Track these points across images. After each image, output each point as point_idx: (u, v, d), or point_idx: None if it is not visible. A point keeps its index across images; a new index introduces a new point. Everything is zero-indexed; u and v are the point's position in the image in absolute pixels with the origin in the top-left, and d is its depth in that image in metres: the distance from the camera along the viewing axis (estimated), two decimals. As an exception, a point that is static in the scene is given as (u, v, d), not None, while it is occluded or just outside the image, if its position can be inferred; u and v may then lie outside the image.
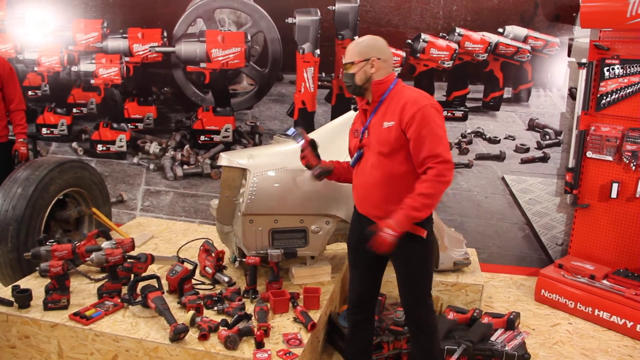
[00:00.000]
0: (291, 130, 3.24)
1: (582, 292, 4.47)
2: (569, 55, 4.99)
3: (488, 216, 5.32)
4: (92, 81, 5.73)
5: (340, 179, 3.27)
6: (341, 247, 4.52)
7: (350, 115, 4.01)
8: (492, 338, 3.78)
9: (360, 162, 2.98)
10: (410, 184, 2.77)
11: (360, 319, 3.22)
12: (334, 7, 5.17)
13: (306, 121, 5.40)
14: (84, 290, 3.60)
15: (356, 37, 5.06)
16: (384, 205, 2.86)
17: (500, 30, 5.06)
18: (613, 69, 4.58)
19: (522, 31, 5.03)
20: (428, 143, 2.69)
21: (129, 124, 5.85)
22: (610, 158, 4.68)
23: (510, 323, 3.93)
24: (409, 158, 2.80)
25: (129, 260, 3.62)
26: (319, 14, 5.21)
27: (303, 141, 3.19)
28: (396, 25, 5.14)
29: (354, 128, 3.10)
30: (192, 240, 4.59)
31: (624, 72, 4.53)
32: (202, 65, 5.47)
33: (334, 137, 3.84)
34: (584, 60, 4.74)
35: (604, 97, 4.66)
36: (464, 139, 5.25)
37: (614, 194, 4.67)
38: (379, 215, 2.87)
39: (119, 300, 3.41)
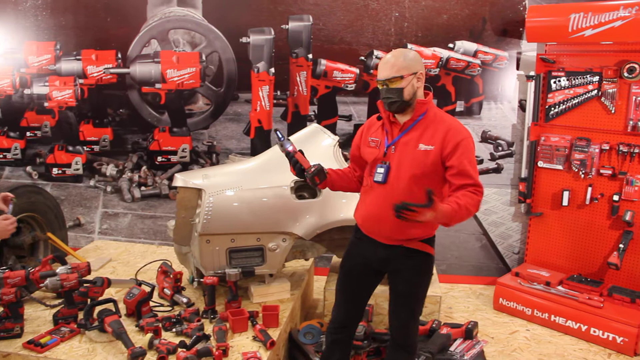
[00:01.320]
0: (279, 135, 2.98)
1: (539, 298, 4.57)
2: (517, 69, 5.13)
3: (445, 228, 5.36)
4: (46, 104, 5.65)
5: (335, 186, 3.12)
6: (300, 264, 4.54)
7: (310, 131, 4.06)
8: (451, 348, 3.84)
9: (387, 178, 2.83)
10: None
11: (338, 338, 3.17)
12: (287, 26, 5.23)
13: (263, 140, 5.42)
14: (39, 317, 3.54)
15: (310, 55, 5.20)
16: (398, 226, 2.77)
17: (451, 45, 5.17)
18: (559, 80, 4.72)
19: (471, 46, 5.16)
20: (470, 173, 2.69)
21: (85, 147, 5.78)
22: (560, 167, 4.81)
23: (469, 332, 3.99)
24: (438, 185, 2.77)
25: (85, 285, 3.58)
26: (273, 33, 5.25)
27: (291, 146, 2.95)
28: (349, 42, 5.21)
29: (372, 137, 2.94)
30: (151, 262, 4.55)
31: (570, 83, 4.67)
32: (158, 86, 5.45)
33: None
34: (532, 73, 4.89)
35: (552, 108, 4.80)
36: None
37: (565, 202, 4.79)
38: (393, 237, 2.84)
39: (75, 326, 3.36)
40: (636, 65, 4.28)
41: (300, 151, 2.99)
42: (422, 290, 2.98)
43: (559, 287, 4.59)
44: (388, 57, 2.80)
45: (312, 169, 2.90)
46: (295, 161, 2.94)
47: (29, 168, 5.87)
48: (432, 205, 2.45)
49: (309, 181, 2.94)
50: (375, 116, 3.00)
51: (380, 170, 2.83)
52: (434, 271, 4.62)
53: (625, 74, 4.35)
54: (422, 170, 2.74)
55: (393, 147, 2.82)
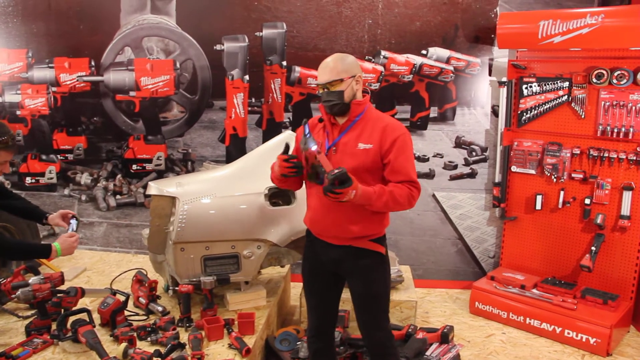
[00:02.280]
0: (307, 131, 2.85)
1: (514, 302, 4.62)
2: (489, 75, 5.20)
3: (421, 233, 5.43)
4: (18, 112, 5.59)
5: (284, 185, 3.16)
6: (276, 271, 4.54)
7: (284, 137, 4.06)
8: (427, 353, 3.85)
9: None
10: None
11: (320, 347, 3.18)
12: (261, 34, 5.23)
13: (238, 147, 5.42)
14: (11, 329, 3.50)
15: (284, 62, 5.21)
16: (341, 225, 2.86)
17: (424, 52, 5.21)
18: (531, 86, 4.79)
19: (444, 52, 5.21)
20: (405, 169, 2.77)
21: (59, 155, 5.72)
22: (533, 171, 4.87)
23: (445, 337, 4.01)
24: (377, 180, 2.82)
25: (58, 295, 3.54)
26: (247, 40, 5.25)
27: (316, 146, 2.77)
28: (323, 49, 5.23)
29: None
30: (126, 271, 4.52)
31: (541, 89, 4.74)
32: (132, 93, 5.43)
33: (269, 160, 3.87)
34: (503, 79, 4.95)
35: (524, 114, 4.86)
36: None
37: (538, 206, 4.85)
38: (338, 235, 2.89)
39: (49, 337, 3.32)
40: (604, 71, 4.36)
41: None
42: (379, 290, 2.97)
43: (534, 290, 4.64)
44: (327, 61, 2.86)
45: (335, 172, 2.58)
46: (317, 163, 2.74)
47: (1, 177, 5.78)
48: (350, 183, 2.57)
49: (328, 185, 2.61)
50: (316, 117, 3.04)
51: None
52: (409, 276, 4.65)
53: (594, 80, 4.43)
54: (363, 169, 2.79)
55: (334, 148, 2.87)
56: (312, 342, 3.19)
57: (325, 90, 2.83)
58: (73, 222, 3.58)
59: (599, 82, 4.41)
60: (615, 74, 4.33)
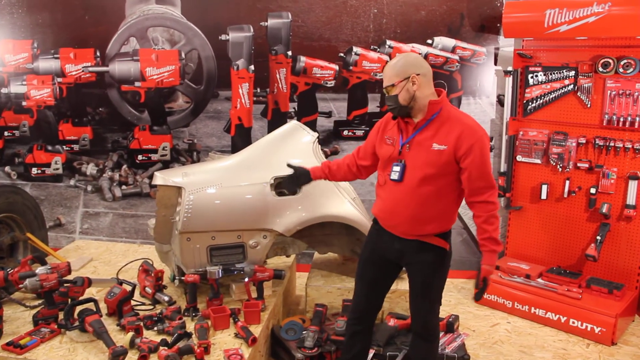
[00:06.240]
0: None
1: (519, 291, 4.63)
2: (495, 64, 5.18)
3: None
4: (24, 103, 5.59)
5: (335, 177, 3.36)
6: (282, 261, 4.55)
7: (289, 128, 4.07)
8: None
9: (403, 176, 2.92)
10: (443, 207, 2.88)
11: (359, 329, 3.26)
12: (266, 23, 5.22)
13: (243, 137, 5.42)
14: (18, 319, 3.52)
15: (289, 52, 5.20)
16: (413, 222, 2.90)
17: (429, 41, 5.20)
18: (536, 75, 4.77)
19: (450, 42, 5.19)
20: (485, 174, 2.79)
21: (64, 146, 5.73)
22: (538, 161, 4.86)
23: (450, 326, 4.02)
24: (452, 183, 2.86)
25: (65, 285, 3.55)
26: (252, 30, 5.24)
27: None
28: (328, 39, 5.23)
29: (388, 134, 3.02)
30: (132, 261, 4.54)
31: (547, 78, 4.72)
32: (137, 84, 5.42)
33: (274, 150, 3.89)
34: (509, 68, 4.92)
35: (530, 103, 4.85)
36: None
37: (543, 195, 4.84)
38: (408, 232, 2.93)
39: (56, 326, 3.34)
40: (610, 60, 4.34)
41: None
42: (437, 283, 3.05)
43: (539, 280, 4.65)
44: (386, 66, 2.93)
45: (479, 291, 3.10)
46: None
47: (7, 168, 5.81)
48: (486, 284, 2.94)
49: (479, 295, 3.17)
50: (391, 114, 3.04)
51: (397, 168, 2.91)
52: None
53: (600, 69, 4.41)
54: (435, 170, 2.81)
55: (408, 145, 2.89)
56: (352, 324, 3.28)
57: (387, 94, 2.90)
58: None
59: (605, 71, 4.39)
60: (622, 62, 4.31)
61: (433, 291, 3.05)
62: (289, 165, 3.38)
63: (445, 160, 2.79)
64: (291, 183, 3.43)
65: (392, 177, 2.92)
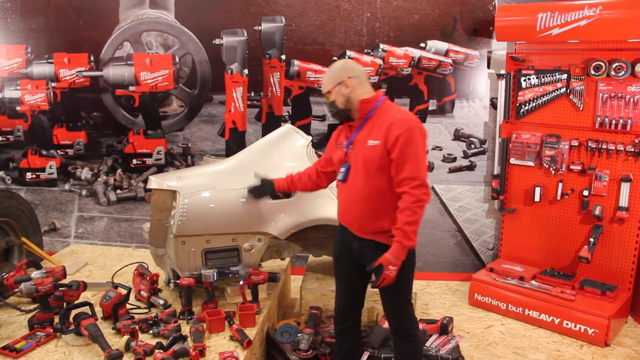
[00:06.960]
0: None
1: (513, 293, 4.64)
2: (488, 67, 5.20)
3: (421, 225, 5.40)
4: (18, 108, 5.60)
5: (296, 188, 3.49)
6: (277, 264, 4.56)
7: (283, 131, 4.09)
8: (427, 343, 3.87)
9: (347, 176, 3.03)
10: (391, 201, 2.86)
11: (344, 327, 3.31)
12: (260, 28, 5.24)
13: (237, 140, 5.43)
14: (14, 323, 3.53)
15: (283, 56, 5.22)
16: (364, 219, 2.97)
17: (422, 45, 5.22)
18: (529, 78, 4.80)
19: (443, 45, 5.21)
20: (408, 165, 2.78)
21: (59, 151, 5.73)
22: (531, 163, 4.89)
23: (444, 328, 4.03)
24: (389, 178, 2.88)
25: (60, 289, 3.57)
26: (246, 34, 5.26)
27: None
28: (322, 43, 5.24)
29: (339, 140, 3.16)
30: (127, 265, 4.56)
31: (539, 81, 4.75)
32: (131, 88, 5.43)
33: (268, 153, 3.90)
34: (502, 72, 4.95)
35: (523, 106, 4.87)
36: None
37: (537, 198, 4.86)
38: (358, 229, 3.01)
39: (51, 330, 3.36)
40: (602, 63, 4.37)
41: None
42: (398, 284, 3.00)
43: (533, 282, 4.66)
44: (323, 77, 3.10)
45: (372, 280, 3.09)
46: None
47: (1, 173, 5.80)
48: (382, 268, 2.82)
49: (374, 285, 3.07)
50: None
51: (342, 169, 3.06)
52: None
53: (592, 72, 4.44)
54: (374, 166, 2.88)
55: (351, 146, 3.00)
56: (337, 323, 3.34)
57: (327, 102, 3.05)
58: None
59: (597, 74, 4.42)
60: (614, 65, 4.34)
61: (396, 292, 3.05)
62: (256, 176, 3.56)
63: (379, 154, 2.84)
64: (257, 192, 3.60)
65: (338, 178, 3.10)
